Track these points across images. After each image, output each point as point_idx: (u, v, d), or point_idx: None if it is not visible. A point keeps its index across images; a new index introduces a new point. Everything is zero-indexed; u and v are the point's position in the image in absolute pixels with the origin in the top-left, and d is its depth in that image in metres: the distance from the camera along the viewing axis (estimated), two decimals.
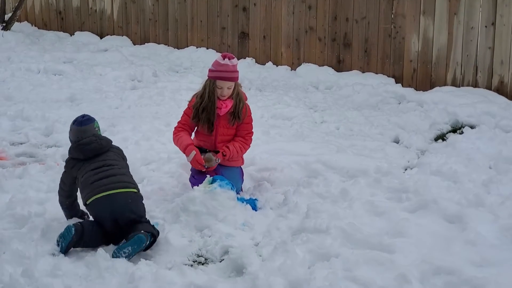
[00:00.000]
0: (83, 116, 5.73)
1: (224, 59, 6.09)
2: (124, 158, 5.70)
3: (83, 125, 5.63)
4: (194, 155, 5.99)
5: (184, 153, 6.06)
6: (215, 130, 6.19)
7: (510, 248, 5.05)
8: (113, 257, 4.98)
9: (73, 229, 5.06)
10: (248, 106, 6.32)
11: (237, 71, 6.16)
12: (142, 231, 5.11)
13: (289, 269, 4.70)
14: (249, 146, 6.35)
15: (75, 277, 4.78)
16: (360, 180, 6.35)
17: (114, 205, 5.27)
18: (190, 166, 6.37)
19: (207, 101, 6.12)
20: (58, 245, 5.09)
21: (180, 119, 6.32)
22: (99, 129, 5.72)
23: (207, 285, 4.67)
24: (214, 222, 5.53)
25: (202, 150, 6.13)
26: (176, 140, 6.16)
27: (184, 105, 6.43)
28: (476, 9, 9.47)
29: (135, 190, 5.39)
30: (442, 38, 9.76)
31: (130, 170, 5.67)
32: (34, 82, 10.20)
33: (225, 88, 6.10)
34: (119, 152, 5.68)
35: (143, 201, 5.48)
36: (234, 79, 6.13)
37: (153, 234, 5.20)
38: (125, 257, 4.99)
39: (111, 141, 5.67)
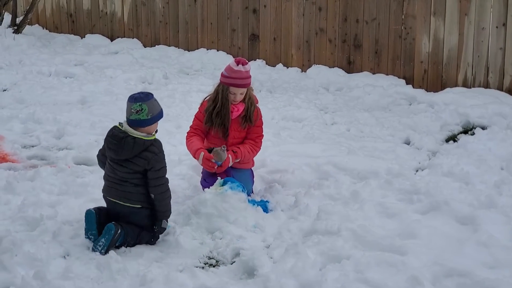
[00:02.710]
0: (141, 92, 5.43)
1: (237, 65, 6.07)
2: (150, 169, 5.29)
3: (128, 101, 5.37)
4: (203, 155, 5.99)
5: (195, 158, 6.08)
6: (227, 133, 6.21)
7: None
8: (93, 250, 5.17)
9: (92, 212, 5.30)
10: (259, 109, 6.33)
11: (250, 77, 6.15)
12: (113, 222, 5.21)
13: (300, 271, 4.70)
14: (259, 148, 6.35)
15: (87, 279, 4.80)
16: (371, 182, 6.34)
17: (116, 211, 5.41)
18: (201, 168, 6.38)
19: (220, 106, 6.12)
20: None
21: (192, 123, 6.33)
22: (141, 112, 5.28)
23: (218, 287, 4.68)
24: (225, 224, 5.54)
25: (210, 151, 6.11)
26: (188, 145, 6.19)
27: (195, 107, 6.43)
28: (487, 9, 9.44)
29: (138, 206, 5.37)
30: (453, 39, 9.73)
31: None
32: (45, 85, 10.22)
33: (238, 94, 6.11)
34: (148, 162, 5.29)
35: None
36: (247, 85, 6.13)
37: (126, 233, 5.25)
38: (102, 249, 5.12)
39: (147, 143, 5.30)
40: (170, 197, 5.47)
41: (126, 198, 5.36)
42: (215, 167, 6.04)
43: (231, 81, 6.07)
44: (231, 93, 6.09)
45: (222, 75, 6.14)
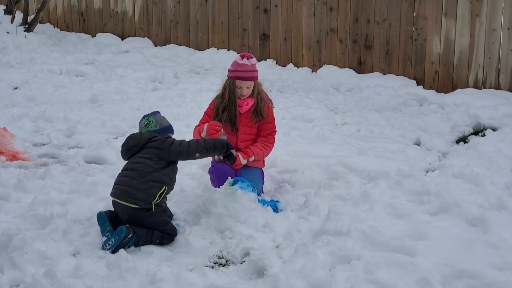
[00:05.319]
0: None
1: (242, 59, 6.12)
2: (162, 150, 5.46)
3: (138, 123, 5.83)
4: (207, 125, 5.98)
5: (201, 135, 6.00)
6: (236, 130, 6.20)
7: None
8: (102, 249, 5.18)
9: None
10: (270, 105, 6.31)
11: (256, 70, 6.17)
12: (127, 225, 5.25)
13: (310, 271, 4.69)
14: (273, 144, 6.33)
15: (97, 277, 4.80)
16: (381, 183, 6.33)
17: (117, 211, 5.45)
18: (209, 166, 6.38)
19: (227, 101, 6.15)
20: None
21: (201, 119, 6.34)
22: (149, 124, 5.68)
23: (228, 286, 4.68)
24: (235, 223, 5.54)
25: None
26: (193, 135, 6.16)
27: (205, 107, 6.45)
28: (499, 10, 9.42)
29: (136, 206, 5.33)
30: (464, 40, 9.71)
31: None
32: (56, 83, 10.26)
33: (245, 88, 6.12)
34: (158, 145, 5.50)
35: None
36: (253, 78, 6.14)
37: (139, 236, 5.26)
38: (110, 249, 5.14)
39: (153, 135, 5.57)
40: (193, 145, 5.53)
41: (128, 197, 5.40)
42: (220, 130, 5.99)
43: (236, 74, 6.11)
44: (238, 87, 6.12)
45: (228, 70, 6.19)
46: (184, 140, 5.58)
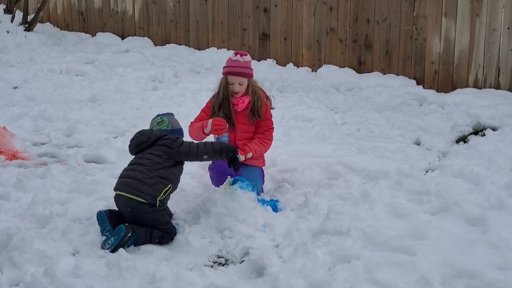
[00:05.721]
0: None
1: (236, 56, 6.14)
2: (172, 148, 5.51)
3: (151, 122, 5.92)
4: (211, 121, 5.93)
5: (204, 131, 5.95)
6: (233, 127, 6.18)
7: None
8: (101, 248, 5.17)
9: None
10: (268, 103, 6.28)
11: (249, 68, 6.16)
12: (126, 224, 5.23)
13: (309, 270, 4.69)
14: (271, 141, 6.30)
15: (96, 277, 4.79)
16: (381, 182, 6.32)
17: (120, 206, 5.42)
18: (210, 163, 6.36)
19: (221, 98, 6.15)
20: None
21: (197, 116, 6.32)
22: (162, 123, 5.77)
23: (228, 286, 4.68)
24: (234, 223, 5.54)
25: None
26: (191, 131, 6.11)
27: None
28: (499, 10, 9.41)
29: (141, 200, 5.31)
30: (464, 40, 9.71)
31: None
32: (56, 83, 10.26)
33: (236, 84, 6.11)
34: (168, 143, 5.54)
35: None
36: (244, 75, 6.13)
37: (138, 235, 5.25)
38: (109, 248, 5.14)
39: (164, 133, 5.62)
40: (202, 147, 5.63)
41: (136, 190, 5.37)
42: (226, 128, 5.96)
43: (227, 70, 6.14)
44: (230, 83, 6.12)
45: (223, 67, 6.19)
46: (193, 142, 5.66)
